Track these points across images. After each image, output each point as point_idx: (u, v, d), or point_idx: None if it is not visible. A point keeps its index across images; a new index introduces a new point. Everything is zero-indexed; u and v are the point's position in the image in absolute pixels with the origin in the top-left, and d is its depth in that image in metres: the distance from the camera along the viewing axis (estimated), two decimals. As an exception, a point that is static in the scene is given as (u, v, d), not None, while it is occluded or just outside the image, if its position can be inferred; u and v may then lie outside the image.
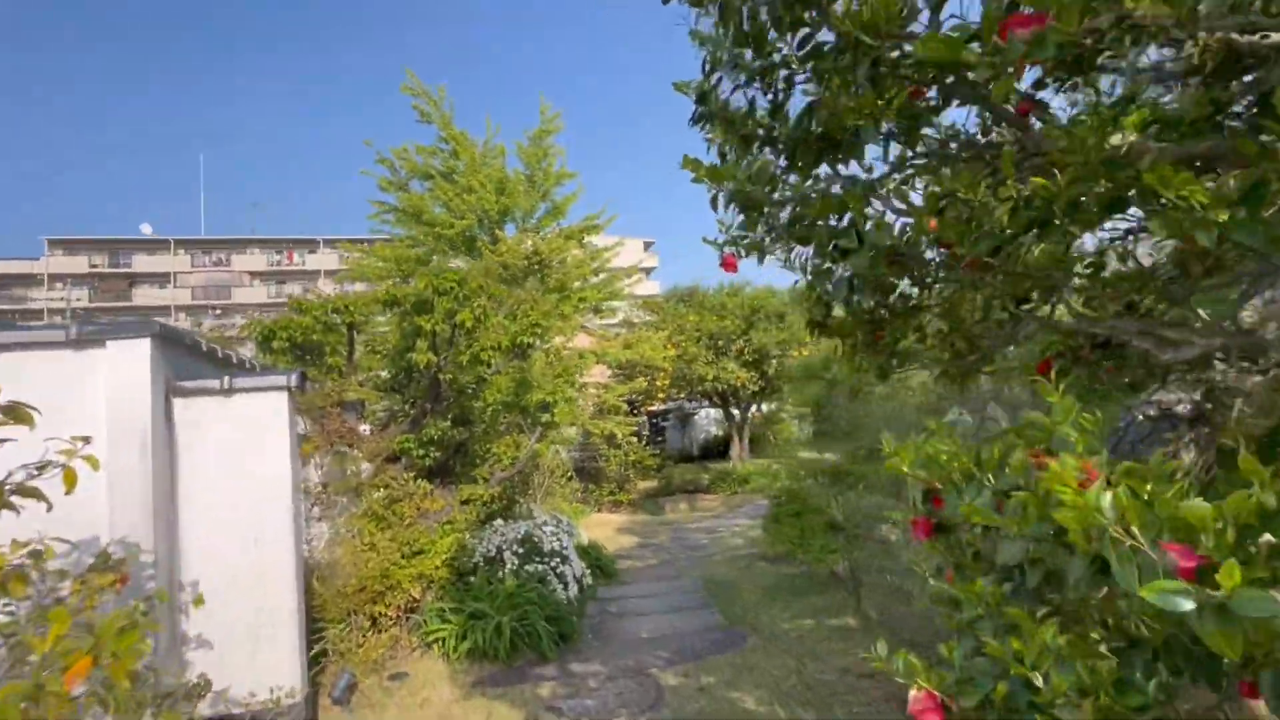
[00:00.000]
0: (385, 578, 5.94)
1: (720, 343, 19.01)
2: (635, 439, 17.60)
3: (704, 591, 8.35)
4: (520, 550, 7.42)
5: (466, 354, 6.20)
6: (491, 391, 8.51)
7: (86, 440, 2.62)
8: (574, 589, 7.39)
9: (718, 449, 27.41)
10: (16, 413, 2.40)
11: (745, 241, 3.03)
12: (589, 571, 7.84)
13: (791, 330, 18.71)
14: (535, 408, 8.14)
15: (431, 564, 6.26)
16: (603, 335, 17.38)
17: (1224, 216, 1.30)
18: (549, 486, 11.12)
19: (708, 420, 29.23)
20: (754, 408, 21.86)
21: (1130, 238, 2.39)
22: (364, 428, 7.87)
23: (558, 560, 7.48)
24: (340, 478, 6.65)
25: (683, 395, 19.55)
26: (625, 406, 17.20)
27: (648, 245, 52.85)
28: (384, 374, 7.66)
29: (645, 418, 21.72)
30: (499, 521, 7.81)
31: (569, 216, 15.85)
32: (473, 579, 6.74)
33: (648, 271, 17.60)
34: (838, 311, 2.94)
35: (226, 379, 4.35)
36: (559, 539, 7.62)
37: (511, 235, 15.14)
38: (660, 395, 19.44)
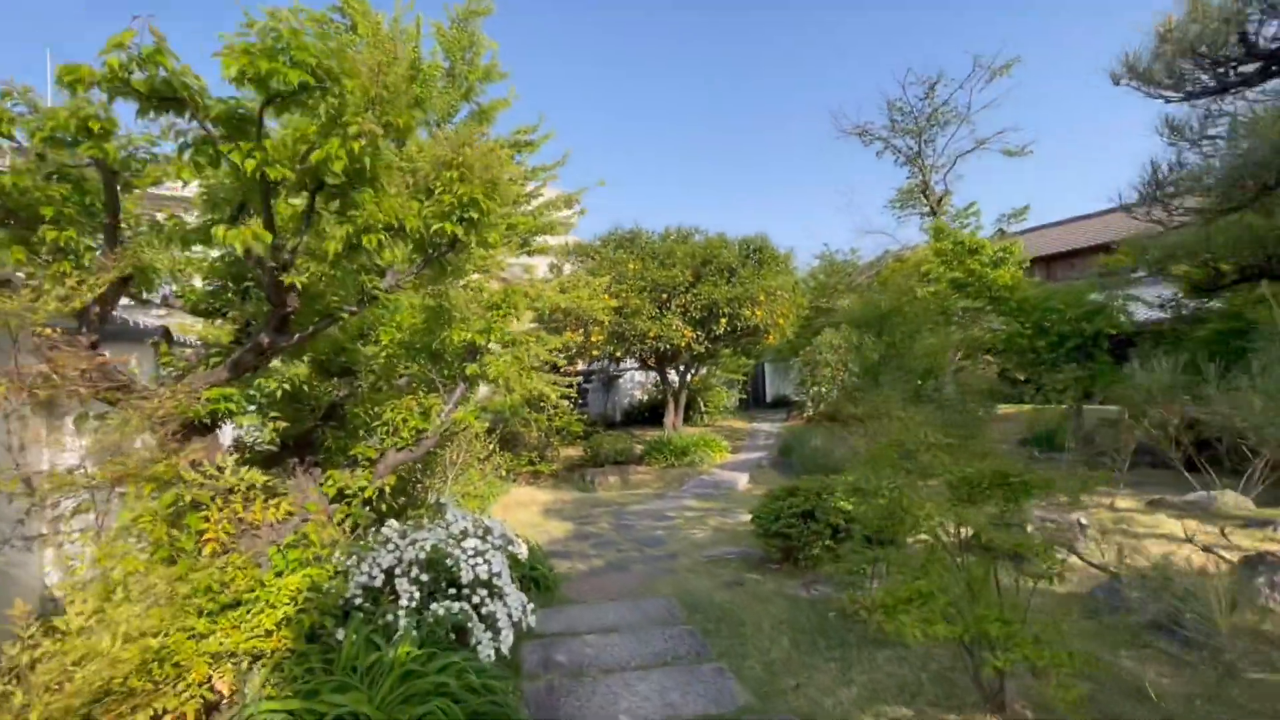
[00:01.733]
0: (157, 664, 2.99)
1: (665, 295, 16.39)
2: (567, 402, 14.84)
3: (688, 622, 5.80)
4: (424, 578, 4.58)
5: (336, 238, 3.22)
6: (389, 330, 5.52)
7: None
8: (508, 636, 4.65)
9: (642, 415, 25.03)
10: None
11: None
12: (530, 606, 5.09)
13: (745, 286, 16.33)
14: (455, 354, 5.23)
15: (253, 628, 3.33)
16: (530, 279, 14.34)
17: None
18: (464, 463, 8.23)
19: (632, 384, 26.76)
20: (693, 371, 19.48)
21: None
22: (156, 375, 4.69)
23: (484, 594, 4.69)
24: (108, 460, 3.56)
25: (619, 353, 16.83)
26: (561, 362, 14.36)
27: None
28: (197, 281, 4.52)
29: (580, 378, 18.92)
30: (392, 526, 4.91)
31: (497, 125, 12.65)
32: (341, 635, 3.86)
33: (568, 229, 14.51)
34: None
35: None
36: (487, 561, 4.81)
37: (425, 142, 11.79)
38: (594, 352, 16.67)
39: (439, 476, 7.80)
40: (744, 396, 27.00)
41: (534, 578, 6.72)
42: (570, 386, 16.28)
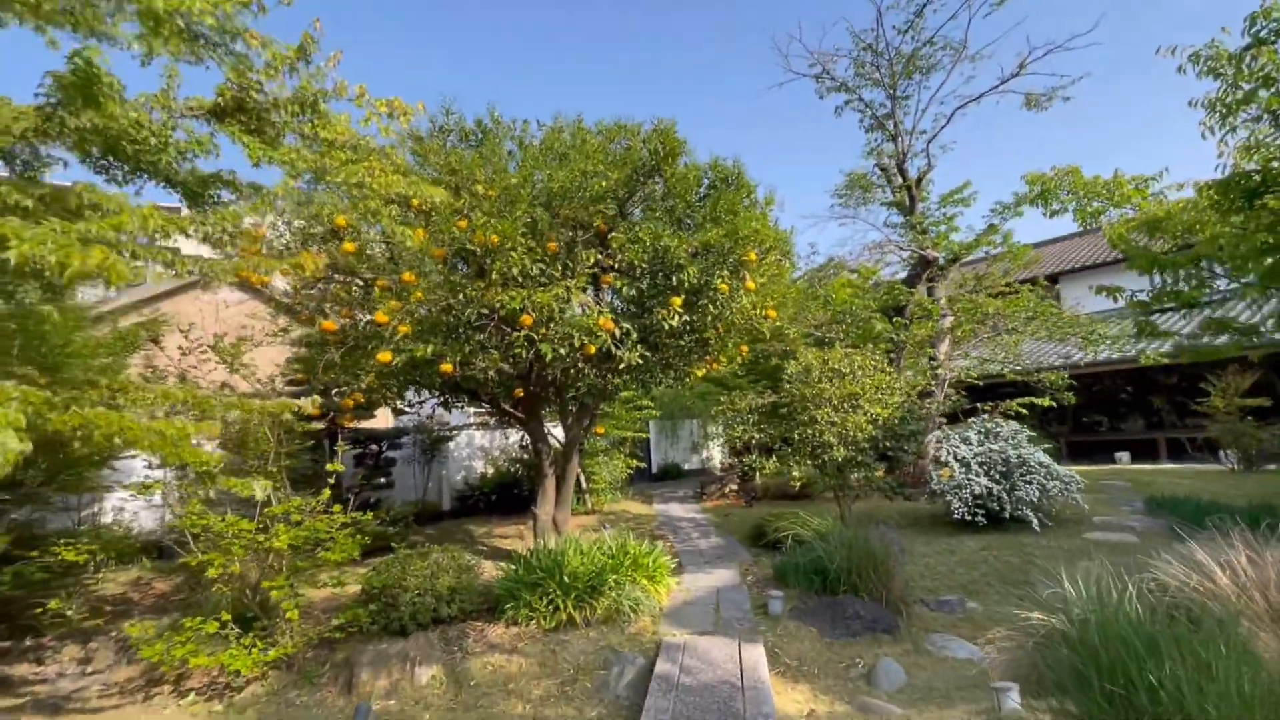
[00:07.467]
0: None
1: (561, 237, 7.14)
2: (298, 489, 4.90)
3: None
4: None
5: None
6: None
7: None
8: None
9: (486, 499, 14.89)
10: None
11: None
12: None
13: (725, 227, 7.66)
14: None
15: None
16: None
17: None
18: None
19: (470, 450, 16.63)
20: (590, 417, 10.09)
21: None
22: None
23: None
24: None
25: (449, 363, 7.03)
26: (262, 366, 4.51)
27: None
28: None
29: (380, 444, 8.62)
30: None
31: None
32: None
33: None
34: None
35: None
36: None
37: None
38: (389, 356, 6.72)
39: None
40: (638, 465, 17.76)
41: None
42: (331, 446, 6.38)
